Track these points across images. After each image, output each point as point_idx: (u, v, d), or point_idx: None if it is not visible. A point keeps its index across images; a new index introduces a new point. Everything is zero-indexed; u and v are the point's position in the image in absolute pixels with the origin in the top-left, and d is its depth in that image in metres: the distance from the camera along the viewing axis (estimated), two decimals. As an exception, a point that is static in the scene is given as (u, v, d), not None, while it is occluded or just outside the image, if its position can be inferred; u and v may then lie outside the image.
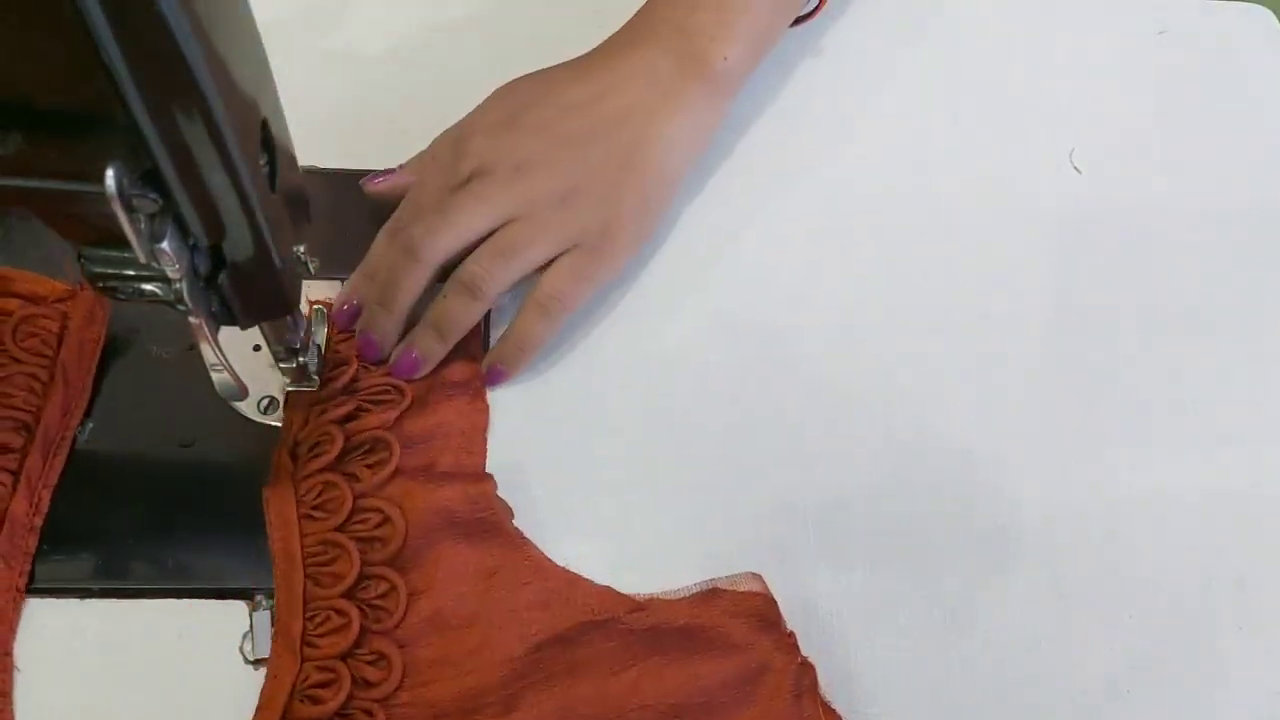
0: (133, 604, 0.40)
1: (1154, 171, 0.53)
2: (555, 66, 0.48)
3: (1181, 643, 0.42)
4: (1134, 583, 0.43)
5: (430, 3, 0.56)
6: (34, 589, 0.40)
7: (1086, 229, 0.51)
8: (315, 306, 0.44)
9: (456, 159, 0.45)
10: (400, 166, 0.48)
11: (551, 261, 0.45)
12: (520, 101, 0.47)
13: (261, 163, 0.32)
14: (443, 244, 0.43)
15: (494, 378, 0.45)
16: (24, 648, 0.40)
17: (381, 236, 0.45)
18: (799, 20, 0.53)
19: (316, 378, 0.43)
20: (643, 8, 0.50)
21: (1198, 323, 0.49)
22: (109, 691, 0.39)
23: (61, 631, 0.40)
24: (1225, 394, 0.47)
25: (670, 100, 0.46)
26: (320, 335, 0.44)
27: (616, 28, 0.49)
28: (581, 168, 0.45)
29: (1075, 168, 0.52)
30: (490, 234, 0.44)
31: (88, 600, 0.40)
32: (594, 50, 0.49)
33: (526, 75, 0.48)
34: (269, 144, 0.33)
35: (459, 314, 0.44)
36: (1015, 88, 0.56)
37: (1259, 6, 0.58)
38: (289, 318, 0.40)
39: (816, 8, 0.53)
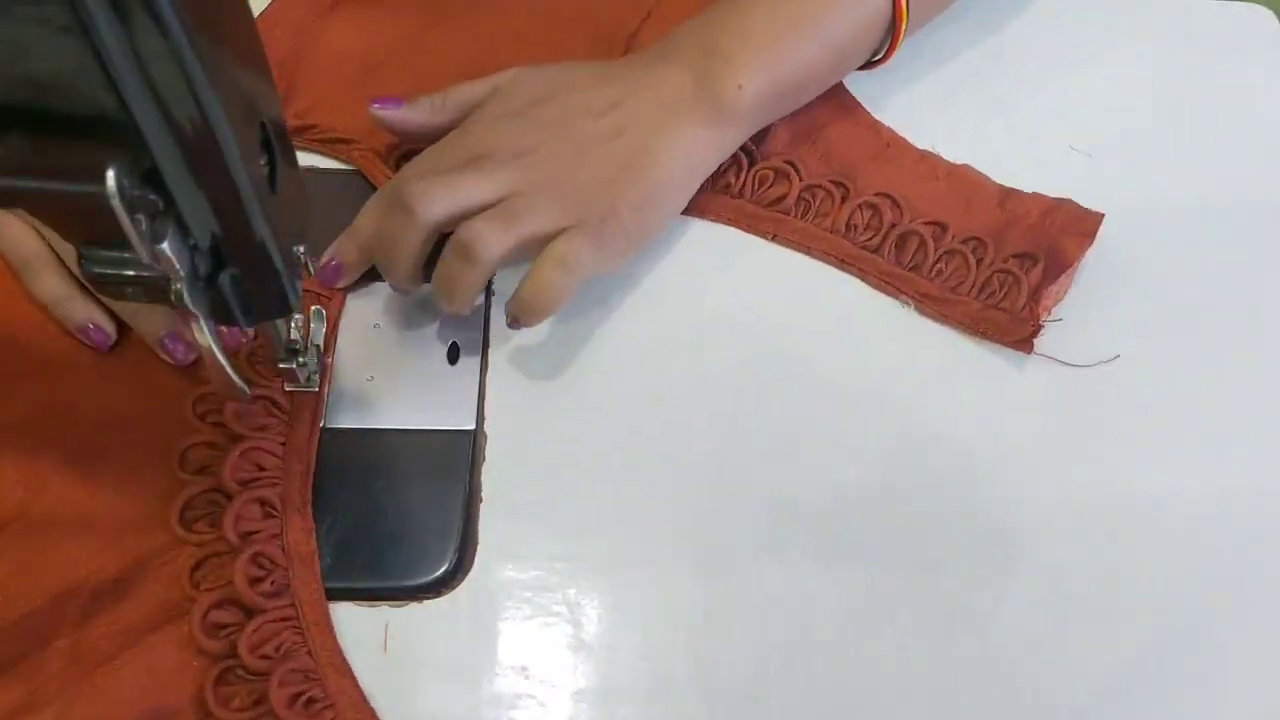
0: (133, 604, 0.40)
1: (1153, 171, 0.53)
2: (578, 65, 0.48)
3: (1181, 643, 0.42)
4: (1134, 583, 0.43)
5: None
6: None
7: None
8: (314, 307, 0.44)
9: (460, 138, 0.46)
10: (409, 104, 0.48)
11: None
12: (535, 94, 0.47)
13: (261, 163, 0.32)
14: (440, 205, 0.43)
15: (513, 326, 0.45)
16: (24, 648, 0.40)
17: (371, 202, 0.46)
18: (867, 66, 0.52)
19: (316, 378, 0.43)
20: (678, 26, 0.49)
21: (1197, 322, 0.49)
22: (109, 691, 0.39)
23: (62, 631, 0.40)
24: (1225, 394, 0.47)
25: (676, 116, 0.46)
26: (319, 335, 0.44)
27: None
28: (582, 164, 0.45)
29: (1077, 149, 0.53)
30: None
31: (88, 600, 0.40)
32: (624, 59, 0.49)
33: (548, 66, 0.48)
34: (269, 144, 0.33)
35: (456, 277, 0.43)
36: (1015, 86, 0.56)
37: (1259, 6, 0.58)
38: (288, 318, 0.40)
39: (885, 55, 0.51)
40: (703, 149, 0.47)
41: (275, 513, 0.41)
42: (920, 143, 0.53)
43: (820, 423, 0.46)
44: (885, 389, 0.47)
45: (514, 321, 0.44)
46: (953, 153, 0.53)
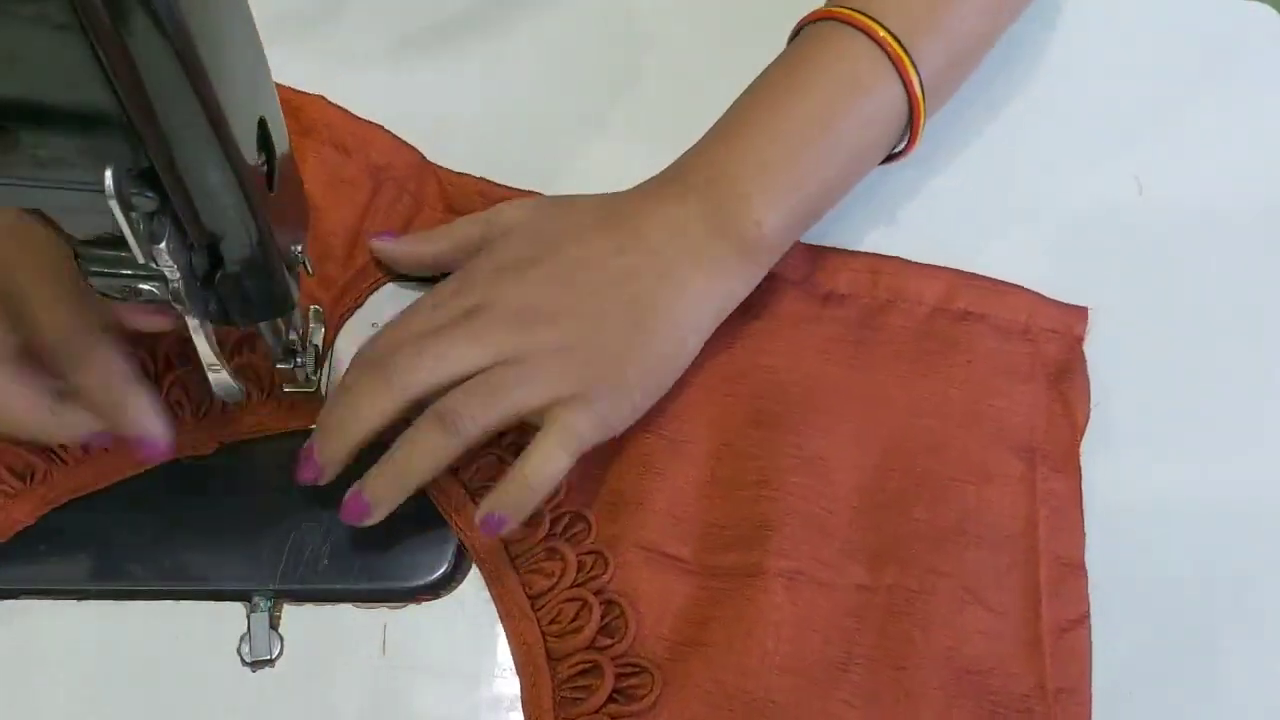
0: (130, 606, 0.41)
1: (1154, 169, 0.53)
2: (582, 203, 0.44)
3: (1181, 643, 0.42)
4: (1135, 583, 0.43)
5: (431, 2, 0.56)
6: (33, 590, 0.41)
7: (1086, 228, 0.51)
8: (313, 306, 0.44)
9: (458, 290, 0.42)
10: (410, 237, 0.46)
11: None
12: (538, 243, 0.43)
13: (260, 162, 0.32)
14: (421, 375, 0.39)
15: (491, 527, 0.39)
16: (22, 648, 0.40)
17: (356, 358, 0.42)
18: (889, 159, 0.47)
19: (315, 378, 0.43)
20: (683, 155, 0.45)
21: (1198, 323, 0.49)
22: (107, 693, 0.39)
23: (59, 633, 0.40)
24: (1227, 394, 0.47)
25: (690, 260, 0.42)
26: (318, 336, 0.44)
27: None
28: (587, 323, 0.41)
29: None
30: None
31: (85, 602, 0.40)
32: (626, 193, 0.44)
33: (547, 206, 0.45)
34: (267, 143, 0.33)
35: (427, 450, 0.39)
36: (1015, 87, 0.56)
37: (1262, 5, 0.58)
38: (286, 317, 0.40)
39: (907, 146, 0.46)
40: (718, 293, 0.43)
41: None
42: (927, 141, 0.51)
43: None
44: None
45: (493, 522, 0.39)
46: (948, 153, 0.53)
